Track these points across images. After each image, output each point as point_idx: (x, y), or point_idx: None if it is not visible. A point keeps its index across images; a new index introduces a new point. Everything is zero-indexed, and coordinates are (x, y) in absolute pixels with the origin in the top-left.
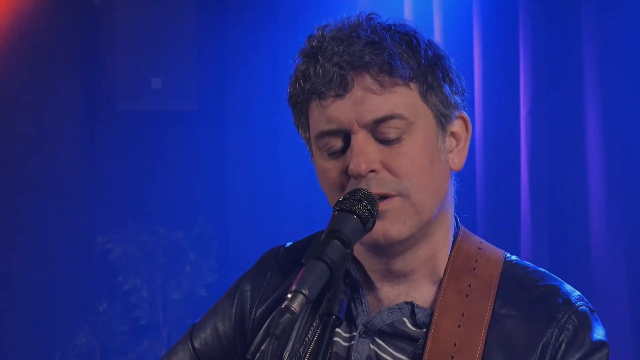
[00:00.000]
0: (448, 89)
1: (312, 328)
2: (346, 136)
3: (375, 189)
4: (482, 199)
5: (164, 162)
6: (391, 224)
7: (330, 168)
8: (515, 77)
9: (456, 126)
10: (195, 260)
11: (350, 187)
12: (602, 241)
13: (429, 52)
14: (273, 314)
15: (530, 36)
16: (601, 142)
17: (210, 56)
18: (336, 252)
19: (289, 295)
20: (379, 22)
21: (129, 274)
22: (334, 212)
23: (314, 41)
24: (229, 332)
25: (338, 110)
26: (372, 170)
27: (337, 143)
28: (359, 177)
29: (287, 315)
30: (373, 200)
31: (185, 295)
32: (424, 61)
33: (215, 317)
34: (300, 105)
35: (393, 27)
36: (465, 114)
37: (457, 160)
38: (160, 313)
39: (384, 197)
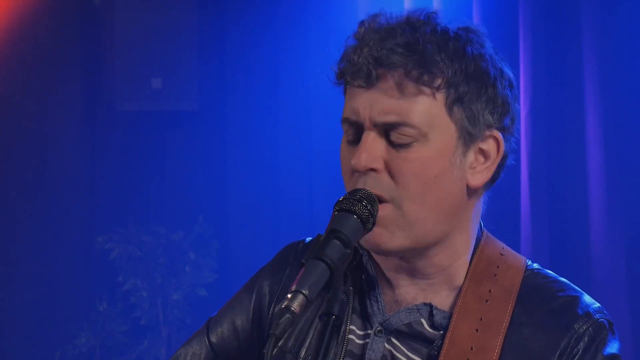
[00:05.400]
0: (481, 106)
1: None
2: (362, 129)
3: (369, 188)
4: None
5: (163, 162)
6: (379, 233)
7: (345, 155)
8: (516, 77)
9: (486, 144)
10: (195, 260)
11: (353, 180)
12: (602, 241)
13: (473, 65)
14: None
15: (530, 36)
16: (601, 142)
17: (210, 56)
18: (336, 252)
19: (289, 296)
20: (433, 23)
21: (129, 274)
22: (334, 212)
23: (361, 28)
24: (246, 327)
25: (359, 102)
26: (373, 170)
27: (354, 133)
28: (357, 172)
29: (287, 315)
30: (373, 200)
31: (185, 295)
32: (460, 72)
33: (232, 311)
34: (343, 85)
35: (443, 31)
36: (498, 134)
37: (479, 177)
38: (160, 313)
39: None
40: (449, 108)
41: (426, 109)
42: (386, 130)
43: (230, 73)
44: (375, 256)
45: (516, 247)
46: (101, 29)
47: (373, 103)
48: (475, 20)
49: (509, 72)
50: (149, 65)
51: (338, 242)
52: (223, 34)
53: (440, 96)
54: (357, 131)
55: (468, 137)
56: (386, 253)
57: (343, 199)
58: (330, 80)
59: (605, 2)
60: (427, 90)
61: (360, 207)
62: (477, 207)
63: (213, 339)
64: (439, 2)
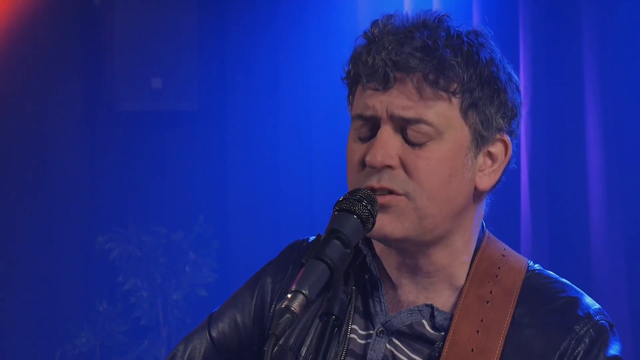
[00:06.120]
0: (493, 110)
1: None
2: (377, 126)
3: (385, 183)
4: None
5: (163, 162)
6: (388, 221)
7: (355, 151)
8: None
9: (495, 147)
10: (195, 260)
11: (364, 175)
12: (602, 241)
13: (487, 70)
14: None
15: (530, 36)
16: (601, 142)
17: (210, 56)
18: (336, 252)
19: (289, 295)
20: (447, 26)
21: (129, 274)
22: (334, 212)
23: (375, 29)
24: (247, 324)
25: (375, 100)
26: (389, 166)
27: (368, 130)
28: (373, 168)
29: (287, 315)
30: (373, 200)
31: (185, 295)
32: (475, 77)
33: (234, 307)
34: (350, 85)
35: (457, 35)
36: (507, 138)
37: (487, 180)
38: (160, 313)
39: (390, 192)
40: (464, 112)
41: (442, 111)
42: (402, 127)
43: (230, 73)
44: (378, 254)
45: (516, 247)
46: (101, 29)
47: (390, 101)
48: (475, 20)
49: (516, 76)
50: (149, 65)
51: (338, 242)
52: (223, 34)
53: (456, 100)
54: (371, 127)
55: (480, 140)
56: (389, 241)
57: (343, 199)
58: (341, 78)
59: (605, 2)
60: (443, 94)
61: (360, 207)
62: (480, 209)
63: (214, 334)
64: (439, 2)
